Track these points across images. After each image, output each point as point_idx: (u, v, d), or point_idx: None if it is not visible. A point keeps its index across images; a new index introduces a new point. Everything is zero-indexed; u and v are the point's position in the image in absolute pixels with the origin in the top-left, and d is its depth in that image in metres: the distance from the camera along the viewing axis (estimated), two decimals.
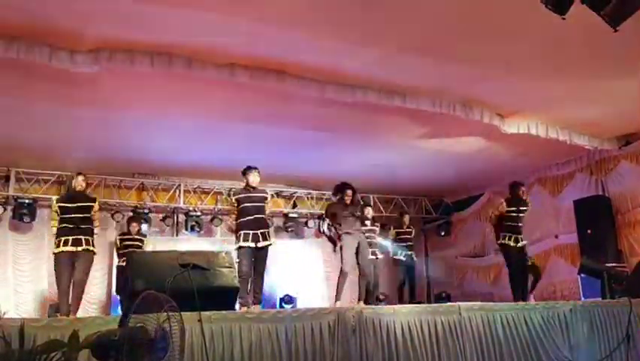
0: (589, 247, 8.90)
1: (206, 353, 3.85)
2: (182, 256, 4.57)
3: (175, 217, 10.74)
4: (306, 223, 11.74)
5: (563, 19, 3.94)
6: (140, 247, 8.46)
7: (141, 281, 4.22)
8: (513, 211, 7.10)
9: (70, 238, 5.73)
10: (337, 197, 6.90)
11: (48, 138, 8.21)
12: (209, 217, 10.93)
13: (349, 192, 6.81)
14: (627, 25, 3.87)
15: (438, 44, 5.83)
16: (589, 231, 9.04)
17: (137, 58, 5.72)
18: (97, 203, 6.08)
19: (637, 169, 9.07)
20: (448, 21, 5.37)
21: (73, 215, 5.82)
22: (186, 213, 10.67)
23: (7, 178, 9.50)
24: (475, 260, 12.18)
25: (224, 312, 4.25)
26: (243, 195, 6.23)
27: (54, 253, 5.82)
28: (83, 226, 5.82)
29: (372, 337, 4.68)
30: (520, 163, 10.38)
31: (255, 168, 6.31)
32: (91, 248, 5.83)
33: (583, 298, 8.08)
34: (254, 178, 6.27)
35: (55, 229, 5.89)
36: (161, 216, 10.57)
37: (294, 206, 11.72)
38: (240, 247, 5.97)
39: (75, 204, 5.87)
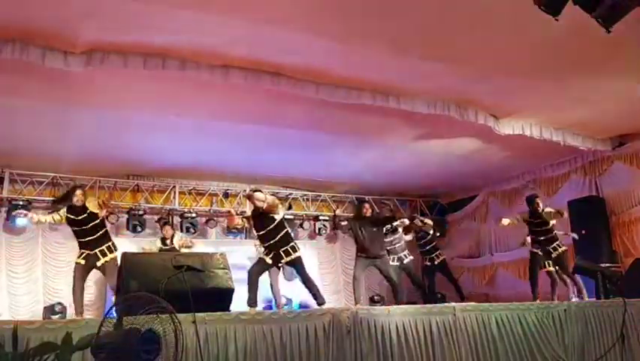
0: (583, 247, 8.93)
1: (200, 355, 3.84)
2: (176, 258, 4.57)
3: (170, 219, 10.70)
4: (301, 225, 11.73)
5: (557, 20, 3.95)
6: None
7: (135, 283, 4.21)
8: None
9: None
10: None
11: (42, 139, 8.18)
12: (204, 219, 10.91)
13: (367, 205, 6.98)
14: (620, 26, 3.89)
15: (432, 45, 5.83)
16: (583, 231, 9.07)
17: (130, 59, 5.71)
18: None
19: (631, 170, 9.12)
20: (442, 22, 5.38)
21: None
22: (181, 215, 10.65)
23: (1, 180, 9.46)
24: (470, 261, 12.21)
25: (218, 313, 4.24)
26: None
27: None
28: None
29: (366, 338, 4.69)
30: (514, 164, 10.43)
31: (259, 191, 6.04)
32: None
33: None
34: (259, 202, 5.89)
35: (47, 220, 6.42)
36: (156, 217, 10.53)
37: (290, 207, 11.71)
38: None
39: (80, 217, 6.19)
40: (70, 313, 8.07)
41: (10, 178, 9.51)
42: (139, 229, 10.07)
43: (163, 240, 8.25)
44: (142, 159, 9.51)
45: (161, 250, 8.09)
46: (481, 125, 7.85)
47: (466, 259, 12.29)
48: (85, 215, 6.19)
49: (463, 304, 5.98)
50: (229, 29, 5.41)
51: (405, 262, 7.95)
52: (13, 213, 9.18)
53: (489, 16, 5.24)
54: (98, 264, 6.16)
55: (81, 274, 6.15)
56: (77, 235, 6.24)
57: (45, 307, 8.87)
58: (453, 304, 5.65)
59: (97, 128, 7.87)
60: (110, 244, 6.30)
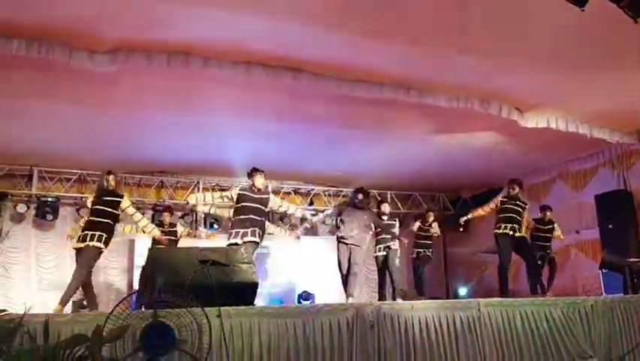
0: (610, 242, 8.77)
1: (225, 348, 3.89)
2: (201, 253, 4.62)
3: (194, 214, 10.83)
4: (323, 221, 11.73)
5: (582, 10, 3.89)
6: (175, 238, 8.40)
7: (162, 278, 4.27)
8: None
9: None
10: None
11: (69, 138, 8.35)
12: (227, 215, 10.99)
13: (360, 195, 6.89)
14: None
15: (456, 38, 5.79)
16: (610, 226, 8.90)
17: (154, 57, 5.79)
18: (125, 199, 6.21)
19: None
20: (466, 15, 5.33)
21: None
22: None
23: (31, 177, 9.69)
24: (493, 256, 12.06)
25: (243, 307, 4.28)
26: (245, 192, 6.19)
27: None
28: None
29: (390, 333, 4.68)
30: (540, 158, 10.28)
31: (262, 171, 6.29)
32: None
33: (604, 294, 7.97)
34: (259, 181, 6.24)
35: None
36: (179, 213, 10.66)
37: (311, 203, 11.74)
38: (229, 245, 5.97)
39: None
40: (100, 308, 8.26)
41: (39, 176, 9.74)
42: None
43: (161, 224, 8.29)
44: (166, 155, 9.65)
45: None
46: (505, 118, 7.75)
47: (490, 255, 12.15)
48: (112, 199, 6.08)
49: (488, 299, 5.91)
50: (251, 26, 5.44)
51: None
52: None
53: (513, 8, 5.17)
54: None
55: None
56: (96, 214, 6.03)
57: (73, 302, 9.04)
58: (477, 299, 5.60)
59: (122, 126, 8.01)
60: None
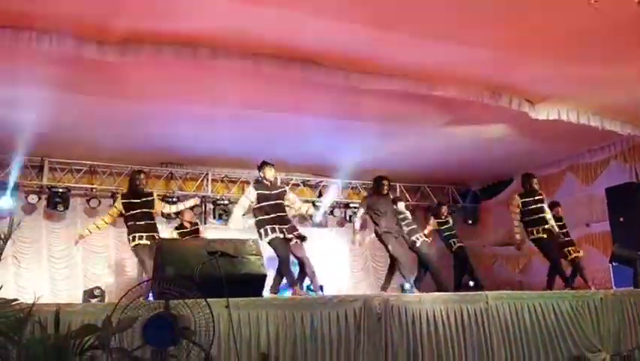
0: (621, 235, 8.70)
1: (233, 338, 3.92)
2: (210, 244, 4.65)
3: (203, 206, 10.88)
4: (331, 212, 11.76)
5: (595, 2, 3.84)
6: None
7: (171, 268, 4.30)
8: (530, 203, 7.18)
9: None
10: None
11: (79, 128, 8.39)
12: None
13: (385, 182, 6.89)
14: None
15: (466, 30, 5.74)
16: (621, 219, 8.83)
17: (163, 48, 5.79)
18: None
19: None
20: (477, 6, 5.27)
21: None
22: (214, 202, 10.80)
23: (41, 168, 9.77)
24: (503, 249, 12.03)
25: (251, 298, 4.31)
26: (261, 191, 6.11)
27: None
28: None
29: (397, 325, 4.69)
30: (550, 150, 10.20)
31: (271, 164, 6.27)
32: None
33: (614, 288, 7.93)
34: (270, 173, 6.20)
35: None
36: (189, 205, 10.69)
37: (320, 195, 11.75)
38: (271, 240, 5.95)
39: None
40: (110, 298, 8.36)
41: (49, 167, 9.81)
42: (172, 215, 10.24)
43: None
44: (175, 147, 9.67)
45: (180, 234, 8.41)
46: (515, 111, 7.69)
47: (500, 247, 12.12)
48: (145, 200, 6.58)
49: (496, 292, 5.90)
50: (259, 17, 5.42)
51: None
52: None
53: (523, 0, 5.11)
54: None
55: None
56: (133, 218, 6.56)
57: (84, 291, 9.16)
58: (486, 292, 5.59)
59: (132, 117, 8.03)
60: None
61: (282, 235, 5.92)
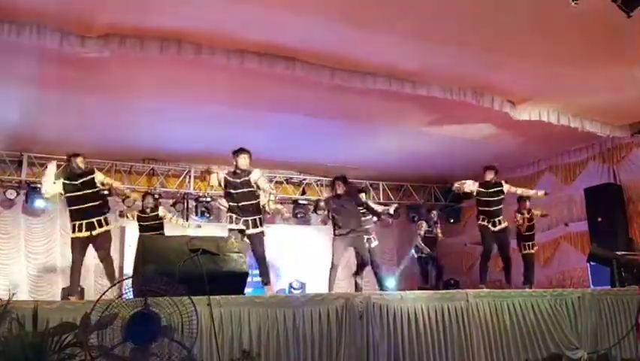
0: (599, 235, 8.84)
1: (215, 337, 3.90)
2: (191, 242, 4.61)
3: (185, 203, 10.79)
4: (315, 210, 11.74)
5: (576, 4, 3.89)
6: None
7: (152, 265, 4.27)
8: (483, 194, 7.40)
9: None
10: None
11: (59, 124, 8.27)
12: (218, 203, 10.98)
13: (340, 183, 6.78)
14: None
15: (449, 30, 5.78)
16: (599, 219, 8.97)
17: (147, 43, 5.73)
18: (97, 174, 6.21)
19: None
20: (459, 7, 5.31)
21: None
22: (196, 199, 10.73)
23: (20, 163, 9.61)
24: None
25: (233, 296, 4.29)
26: (229, 178, 5.94)
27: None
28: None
29: (378, 323, 4.71)
30: (530, 150, 10.33)
31: (247, 151, 5.98)
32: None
33: (592, 287, 8.06)
34: (243, 162, 5.93)
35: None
36: (171, 201, 10.62)
37: (303, 193, 11.74)
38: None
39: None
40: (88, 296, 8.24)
41: (28, 162, 9.65)
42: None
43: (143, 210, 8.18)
44: (157, 143, 9.59)
45: (139, 218, 8.12)
46: (497, 111, 7.77)
47: (481, 246, 12.21)
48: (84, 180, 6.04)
49: (477, 290, 5.96)
50: (244, 14, 5.40)
51: (372, 245, 8.01)
52: None
53: (507, 1, 5.16)
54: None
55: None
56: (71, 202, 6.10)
57: (63, 288, 9.03)
58: (466, 290, 5.64)
59: (113, 113, 7.94)
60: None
61: (236, 226, 5.74)
